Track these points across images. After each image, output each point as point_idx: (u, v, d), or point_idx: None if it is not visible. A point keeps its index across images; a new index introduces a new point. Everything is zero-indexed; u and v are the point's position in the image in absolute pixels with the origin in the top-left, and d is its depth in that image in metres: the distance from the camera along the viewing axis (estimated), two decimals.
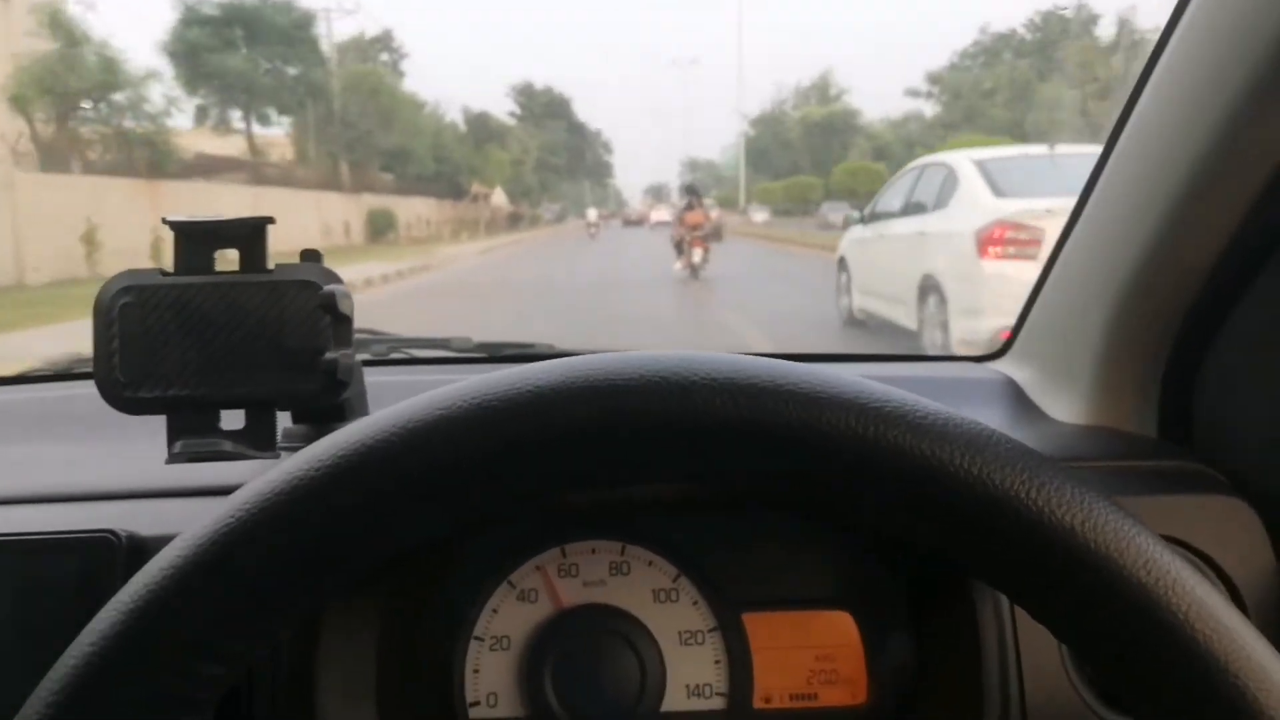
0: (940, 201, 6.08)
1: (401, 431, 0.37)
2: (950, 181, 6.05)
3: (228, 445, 0.63)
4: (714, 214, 15.37)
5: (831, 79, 64.92)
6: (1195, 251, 0.70)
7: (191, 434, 0.63)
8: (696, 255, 12.55)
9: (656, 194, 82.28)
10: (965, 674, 0.64)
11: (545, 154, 61.10)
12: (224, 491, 0.45)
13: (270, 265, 0.64)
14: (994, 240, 5.18)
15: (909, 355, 1.26)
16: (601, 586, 0.69)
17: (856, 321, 7.30)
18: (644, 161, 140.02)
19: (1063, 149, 6.11)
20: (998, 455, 0.36)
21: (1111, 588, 0.34)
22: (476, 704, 0.67)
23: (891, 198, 7.06)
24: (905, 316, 6.16)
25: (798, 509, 0.65)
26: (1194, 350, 0.77)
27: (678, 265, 13.00)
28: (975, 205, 5.56)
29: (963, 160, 6.19)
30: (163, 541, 0.39)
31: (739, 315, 9.44)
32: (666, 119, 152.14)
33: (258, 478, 0.39)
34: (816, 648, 0.69)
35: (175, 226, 0.64)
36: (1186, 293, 0.73)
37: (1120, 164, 0.77)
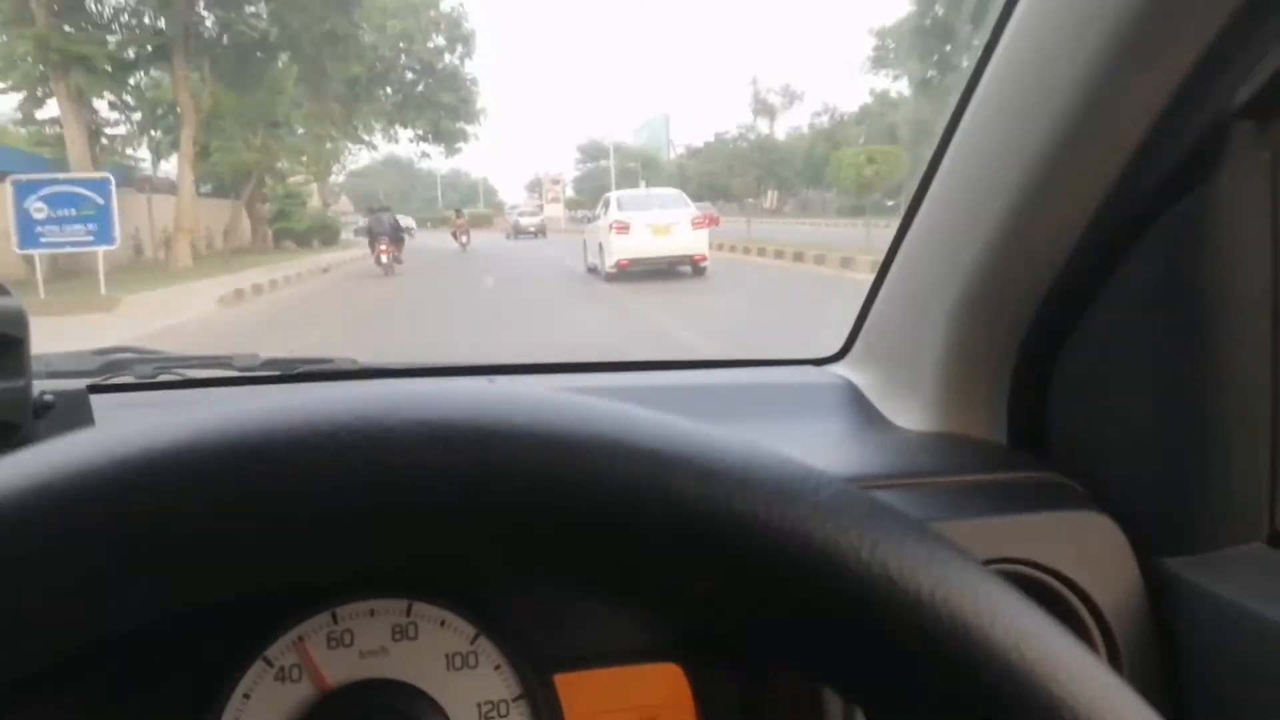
0: (603, 213, 14.45)
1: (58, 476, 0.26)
2: (605, 203, 14.58)
3: None
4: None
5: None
6: (1044, 249, 0.67)
7: None
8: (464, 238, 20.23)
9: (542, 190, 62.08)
10: None
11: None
12: None
13: None
14: (615, 228, 13.41)
15: (744, 360, 1.08)
16: (382, 656, 0.58)
17: (590, 269, 15.02)
18: (524, 146, 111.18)
19: (654, 190, 15.48)
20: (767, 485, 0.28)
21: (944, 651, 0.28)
22: None
23: (597, 211, 15.64)
24: (595, 261, 14.25)
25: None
26: (1045, 352, 0.72)
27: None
28: (609, 213, 13.87)
29: (612, 194, 14.89)
30: None
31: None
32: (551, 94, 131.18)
33: None
34: (641, 708, 0.61)
35: None
36: (1036, 291, 0.69)
37: (958, 158, 0.74)
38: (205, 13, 17.84)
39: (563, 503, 0.28)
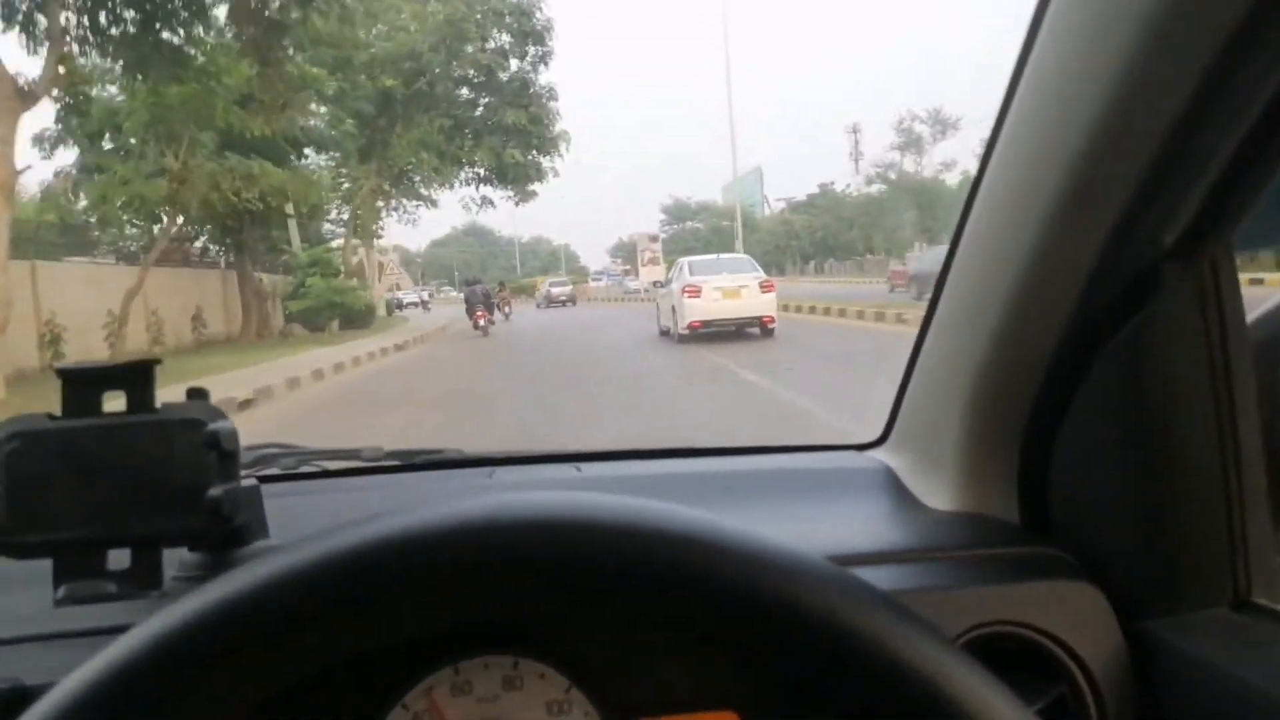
0: (676, 277, 14.90)
1: (276, 579, 0.42)
2: (678, 269, 15.07)
3: (112, 586, 0.65)
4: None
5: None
6: (1032, 346, 0.76)
7: (77, 576, 0.65)
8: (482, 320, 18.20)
9: (629, 255, 59.88)
10: None
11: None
12: (112, 632, 0.45)
13: (157, 404, 0.66)
14: (688, 291, 13.77)
15: (792, 446, 1.22)
16: (495, 702, 0.70)
17: (663, 331, 15.36)
18: (605, 210, 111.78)
19: (724, 255, 15.61)
20: (777, 567, 0.44)
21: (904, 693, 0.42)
22: None
23: (670, 277, 16.05)
24: (667, 324, 14.67)
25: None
26: (1042, 440, 0.81)
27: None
28: (681, 278, 14.27)
29: (684, 260, 15.35)
30: (47, 687, 0.41)
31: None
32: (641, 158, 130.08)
33: (140, 624, 0.41)
34: None
35: (62, 373, 0.67)
36: (1029, 386, 0.79)
37: (963, 259, 0.82)
38: None
39: (685, 590, 0.44)
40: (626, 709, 0.71)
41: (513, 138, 22.07)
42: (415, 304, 38.87)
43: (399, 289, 53.75)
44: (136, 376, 0.67)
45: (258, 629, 0.41)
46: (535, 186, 24.04)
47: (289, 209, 18.95)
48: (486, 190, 24.50)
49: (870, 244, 42.28)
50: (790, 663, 0.46)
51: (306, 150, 20.53)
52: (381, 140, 20.83)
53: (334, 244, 23.60)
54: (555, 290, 34.54)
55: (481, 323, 17.83)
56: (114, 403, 0.68)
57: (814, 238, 48.70)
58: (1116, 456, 0.75)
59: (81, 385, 0.67)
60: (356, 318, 20.68)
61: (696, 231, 56.63)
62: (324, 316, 19.26)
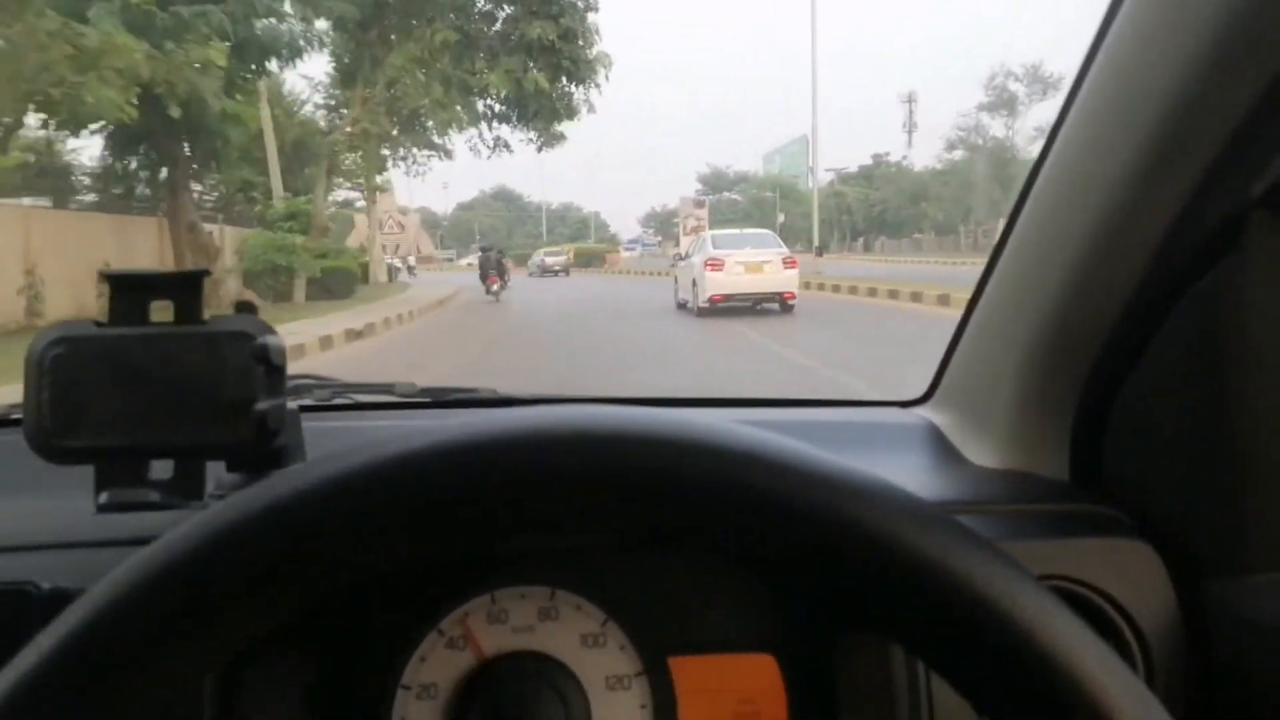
0: (698, 250, 14.69)
1: (327, 482, 0.40)
2: (701, 242, 14.84)
3: (154, 495, 0.65)
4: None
5: None
6: (1099, 304, 0.75)
7: (119, 484, 0.65)
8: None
9: (662, 225, 58.95)
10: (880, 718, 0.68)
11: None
12: (150, 540, 0.45)
13: (205, 316, 0.65)
14: (710, 265, 13.62)
15: (839, 401, 1.23)
16: (530, 632, 0.70)
17: (680, 304, 15.27)
18: (637, 178, 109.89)
19: (747, 230, 15.50)
20: (879, 503, 0.40)
21: (992, 633, 0.39)
22: None
23: (688, 250, 15.79)
24: (686, 297, 14.60)
25: (709, 551, 0.67)
26: (1102, 398, 0.80)
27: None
28: (704, 251, 14.12)
29: (707, 233, 15.16)
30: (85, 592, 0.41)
31: None
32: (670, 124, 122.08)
33: (178, 525, 0.41)
34: (740, 691, 0.71)
35: (110, 278, 0.66)
36: (1092, 343, 0.78)
37: (1031, 215, 0.82)
38: None
39: (748, 503, 0.40)
40: (662, 646, 0.71)
41: (538, 58, 16.13)
42: (399, 269, 36.61)
43: (417, 253, 51.89)
44: (186, 286, 0.66)
45: (306, 533, 0.40)
46: (565, 127, 18.25)
47: (270, 149, 16.02)
48: (502, 131, 18.94)
49: (949, 220, 38.76)
50: (857, 596, 0.42)
51: (278, 66, 15.50)
52: (371, 59, 15.77)
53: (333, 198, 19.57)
54: (549, 260, 35.56)
55: (494, 287, 18.25)
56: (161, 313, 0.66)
57: (871, 213, 45.58)
58: (1187, 412, 0.74)
59: (128, 292, 0.65)
60: (334, 285, 17.07)
61: (734, 204, 53.33)
62: (263, 282, 15.66)
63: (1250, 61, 0.57)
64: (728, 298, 13.19)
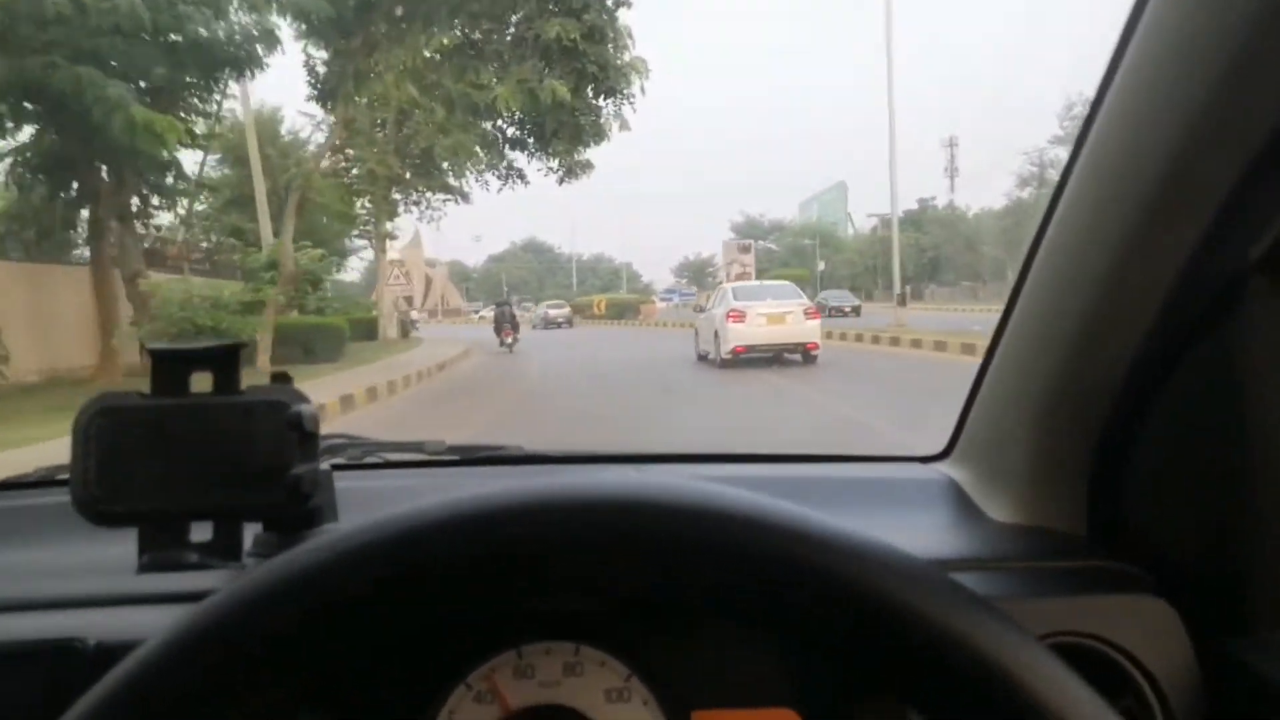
0: (718, 303, 14.58)
1: (354, 550, 0.42)
2: (720, 293, 14.79)
3: (194, 556, 0.68)
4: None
5: None
6: (1109, 358, 0.75)
7: (160, 545, 0.68)
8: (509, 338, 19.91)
9: (696, 274, 57.70)
10: None
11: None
12: (193, 598, 0.46)
13: (242, 387, 0.68)
14: (732, 316, 13.43)
15: (857, 456, 1.20)
16: (556, 687, 0.71)
17: (701, 356, 15.11)
18: (668, 228, 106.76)
19: (767, 281, 15.60)
20: (884, 566, 0.42)
21: (998, 696, 0.40)
22: None
23: (708, 303, 15.59)
24: (707, 348, 14.45)
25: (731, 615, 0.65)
26: (1116, 454, 0.80)
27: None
28: (724, 303, 14.04)
29: (727, 285, 15.11)
30: (131, 647, 0.42)
31: None
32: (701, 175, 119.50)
33: (224, 587, 0.42)
34: None
35: (152, 352, 0.69)
36: (1102, 400, 0.77)
37: (1039, 272, 0.82)
38: None
39: (767, 571, 0.43)
40: (685, 701, 0.72)
41: (556, 62, 12.36)
42: (415, 323, 35.65)
43: (443, 305, 50.84)
44: (224, 358, 0.69)
45: (344, 595, 0.41)
46: (591, 154, 14.27)
47: (259, 191, 13.84)
48: (518, 158, 15.37)
49: (1007, 263, 35.91)
50: (870, 661, 0.44)
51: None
52: (355, 73, 12.47)
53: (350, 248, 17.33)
54: (552, 312, 36.93)
55: (508, 340, 19.77)
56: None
57: (922, 259, 43.76)
58: (1199, 468, 0.75)
59: (170, 365, 0.69)
60: (317, 345, 14.11)
61: (770, 252, 52.55)
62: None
63: (1244, 120, 0.58)
64: (750, 349, 13.19)
